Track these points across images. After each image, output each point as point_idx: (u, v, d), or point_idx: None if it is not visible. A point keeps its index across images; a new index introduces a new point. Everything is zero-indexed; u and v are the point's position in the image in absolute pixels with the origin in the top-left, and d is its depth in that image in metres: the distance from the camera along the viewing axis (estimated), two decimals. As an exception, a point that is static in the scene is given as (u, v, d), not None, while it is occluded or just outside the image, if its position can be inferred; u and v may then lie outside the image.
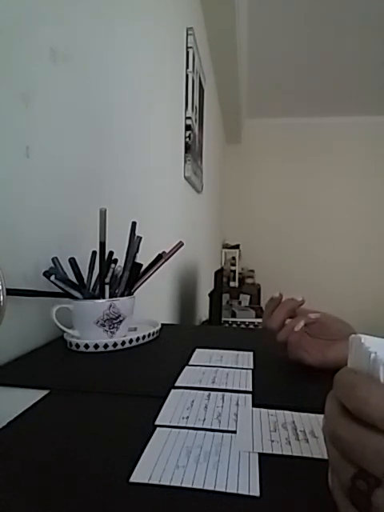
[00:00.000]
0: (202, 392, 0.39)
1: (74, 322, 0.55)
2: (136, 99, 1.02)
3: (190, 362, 0.48)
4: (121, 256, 0.60)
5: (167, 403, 0.36)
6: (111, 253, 0.59)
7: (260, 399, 0.37)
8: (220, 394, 0.38)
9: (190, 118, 1.71)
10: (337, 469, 0.19)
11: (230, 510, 0.22)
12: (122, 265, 0.60)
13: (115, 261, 0.59)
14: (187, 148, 1.72)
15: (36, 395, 0.37)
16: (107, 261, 0.58)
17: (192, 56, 1.70)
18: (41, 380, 0.41)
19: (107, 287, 0.57)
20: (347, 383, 0.18)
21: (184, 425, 0.32)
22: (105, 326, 0.55)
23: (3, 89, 0.49)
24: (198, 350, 0.54)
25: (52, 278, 0.51)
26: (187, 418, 0.33)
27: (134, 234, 0.61)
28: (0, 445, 0.28)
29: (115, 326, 0.56)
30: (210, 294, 1.90)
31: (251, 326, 2.92)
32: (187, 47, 1.68)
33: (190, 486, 0.24)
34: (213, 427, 0.31)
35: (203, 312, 2.31)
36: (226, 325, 2.86)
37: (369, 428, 0.17)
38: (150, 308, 1.14)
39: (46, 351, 0.53)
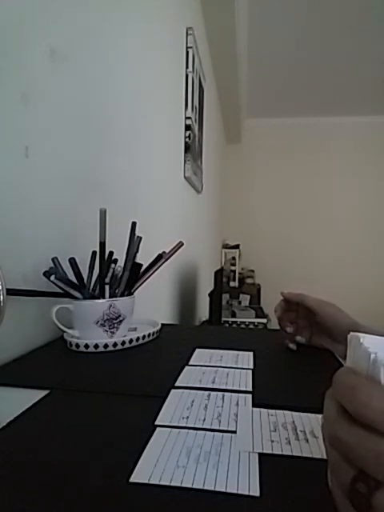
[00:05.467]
0: (202, 392, 0.39)
1: (74, 322, 0.55)
2: (136, 99, 1.02)
3: (190, 362, 0.48)
4: (121, 256, 0.60)
5: (167, 403, 0.36)
6: (111, 253, 0.59)
7: (260, 399, 0.37)
8: (220, 394, 0.38)
9: (189, 117, 1.71)
10: (336, 470, 0.19)
11: (230, 510, 0.22)
12: (122, 265, 0.60)
13: (115, 261, 0.59)
14: (187, 148, 1.72)
15: (36, 395, 0.37)
16: (107, 261, 0.58)
17: (192, 56, 1.70)
18: (41, 380, 0.41)
19: (107, 287, 0.57)
20: (348, 385, 0.18)
21: (184, 425, 0.32)
22: (105, 326, 0.55)
23: (3, 89, 0.49)
24: (197, 350, 0.54)
25: (52, 277, 0.51)
26: (187, 418, 0.33)
27: (134, 234, 0.60)
28: (0, 445, 0.28)
29: (115, 326, 0.56)
30: (210, 294, 1.90)
31: (251, 326, 2.92)
32: (187, 47, 1.68)
33: (190, 486, 0.24)
34: (213, 427, 0.31)
35: (203, 312, 2.31)
36: (226, 325, 2.86)
37: (369, 430, 0.17)
38: (150, 308, 1.14)
39: (46, 351, 0.53)
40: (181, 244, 0.65)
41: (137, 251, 0.61)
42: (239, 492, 0.23)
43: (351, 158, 4.13)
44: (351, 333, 0.20)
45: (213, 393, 0.39)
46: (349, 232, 4.16)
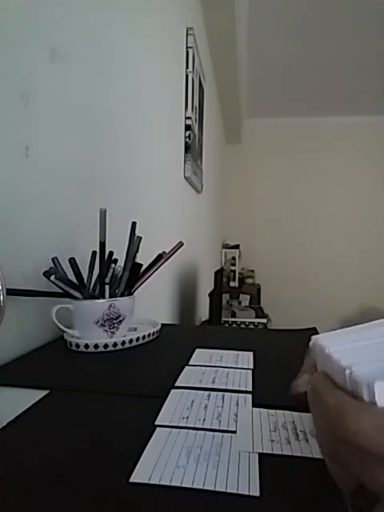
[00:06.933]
0: (202, 392, 0.39)
1: (74, 322, 0.55)
2: (136, 99, 1.02)
3: (190, 362, 0.48)
4: (121, 256, 0.60)
5: (167, 403, 0.36)
6: (111, 253, 0.59)
7: (260, 399, 0.37)
8: (220, 394, 0.38)
9: (189, 117, 1.71)
10: (338, 481, 0.19)
11: (230, 510, 0.22)
12: (122, 265, 0.60)
13: (115, 261, 0.59)
14: (187, 148, 1.72)
15: (36, 395, 0.37)
16: (107, 261, 0.58)
17: (192, 56, 1.70)
18: (41, 380, 0.41)
19: (107, 287, 0.57)
20: (335, 410, 0.17)
21: (184, 425, 0.32)
22: (105, 326, 0.55)
23: (3, 89, 0.49)
24: (198, 350, 0.54)
25: (52, 277, 0.51)
26: (187, 418, 0.33)
27: (134, 234, 0.60)
28: (0, 445, 0.28)
29: (115, 325, 0.56)
30: (210, 294, 1.90)
31: (251, 326, 2.92)
32: (187, 47, 1.68)
33: (189, 486, 0.24)
34: (213, 427, 0.31)
35: (203, 312, 2.31)
36: (226, 325, 2.86)
37: (364, 452, 0.16)
38: (150, 308, 1.14)
39: (46, 351, 0.53)
40: (181, 244, 0.65)
41: (137, 251, 0.61)
42: (239, 492, 0.23)
43: (351, 158, 4.13)
44: (312, 338, 0.20)
45: (213, 393, 0.39)
46: (349, 232, 4.16)
